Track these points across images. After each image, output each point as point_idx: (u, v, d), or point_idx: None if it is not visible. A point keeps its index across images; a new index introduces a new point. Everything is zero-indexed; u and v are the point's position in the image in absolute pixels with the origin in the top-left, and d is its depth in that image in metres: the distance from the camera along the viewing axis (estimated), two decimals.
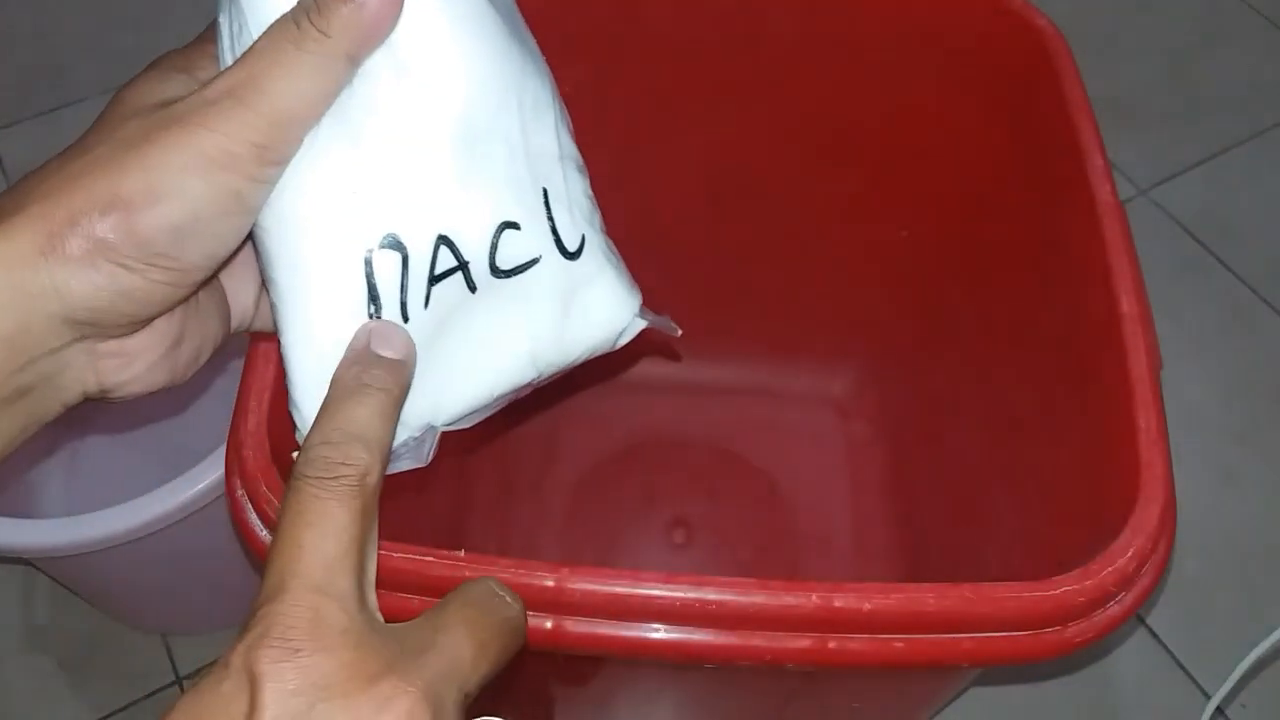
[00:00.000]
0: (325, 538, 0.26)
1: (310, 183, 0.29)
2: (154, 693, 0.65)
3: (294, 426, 0.31)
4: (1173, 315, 0.82)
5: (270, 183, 0.28)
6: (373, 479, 0.27)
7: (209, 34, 0.31)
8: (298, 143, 0.28)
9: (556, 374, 0.33)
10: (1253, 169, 0.92)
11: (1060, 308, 0.48)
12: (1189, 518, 0.71)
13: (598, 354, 0.33)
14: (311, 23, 0.27)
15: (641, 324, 0.33)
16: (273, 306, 0.30)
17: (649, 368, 0.72)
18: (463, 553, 0.35)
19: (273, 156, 0.28)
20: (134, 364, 0.30)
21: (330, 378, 0.29)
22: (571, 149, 0.32)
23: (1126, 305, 0.41)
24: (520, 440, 0.70)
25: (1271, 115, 0.96)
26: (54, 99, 0.93)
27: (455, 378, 0.31)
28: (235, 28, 0.29)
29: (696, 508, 0.69)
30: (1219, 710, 0.65)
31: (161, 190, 0.26)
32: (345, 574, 0.26)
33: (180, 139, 0.27)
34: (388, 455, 0.28)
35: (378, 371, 0.29)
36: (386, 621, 0.27)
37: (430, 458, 0.32)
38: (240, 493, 0.37)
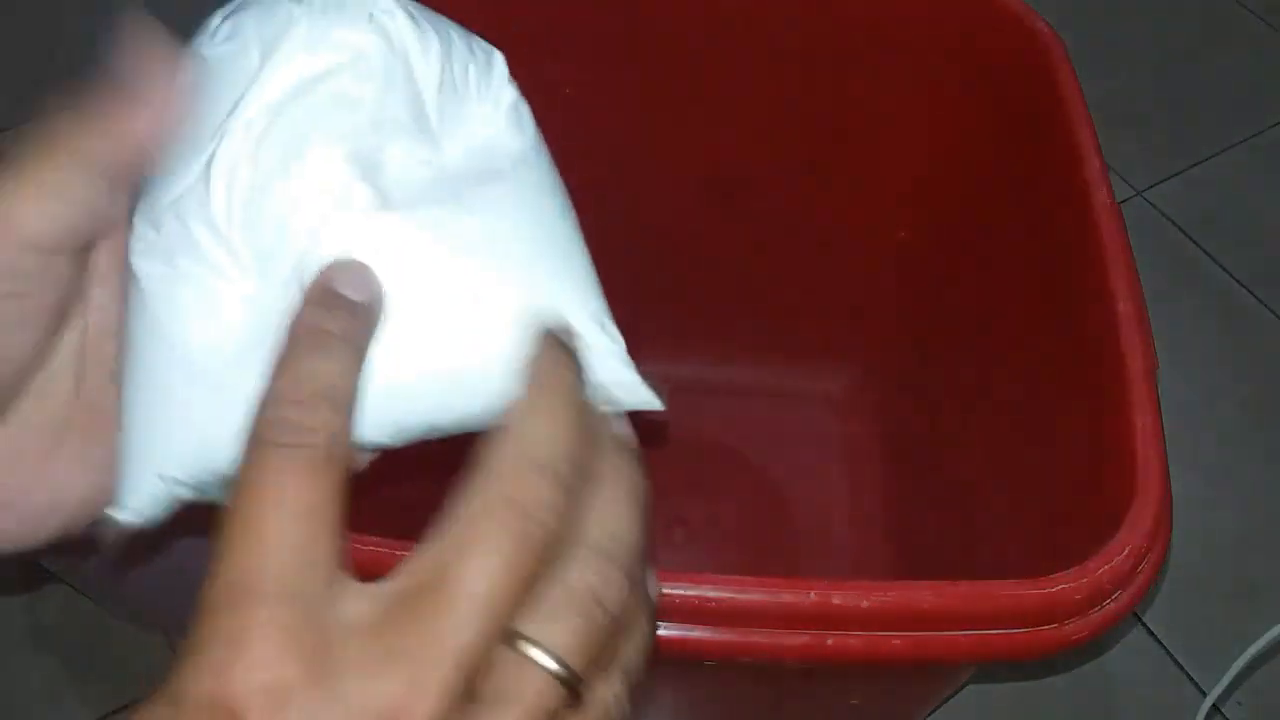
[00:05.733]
0: (295, 524, 0.20)
1: None
2: None
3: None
4: (1169, 316, 0.82)
5: None
6: (342, 446, 0.22)
7: None
8: (35, 258, 0.24)
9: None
10: (1249, 170, 0.92)
11: (1057, 308, 0.48)
12: (1185, 516, 0.71)
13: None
14: (70, 133, 0.24)
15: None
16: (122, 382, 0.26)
17: (648, 367, 0.72)
18: None
19: None
20: None
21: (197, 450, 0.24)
22: None
23: (1123, 306, 0.42)
24: None
25: (1267, 116, 0.96)
26: (57, 99, 0.93)
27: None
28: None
29: (696, 507, 0.69)
30: (1215, 708, 0.65)
31: None
32: (316, 570, 0.20)
33: None
34: (352, 420, 0.23)
35: (342, 316, 0.24)
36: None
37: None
38: None
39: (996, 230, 0.57)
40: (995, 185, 0.56)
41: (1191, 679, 0.66)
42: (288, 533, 0.20)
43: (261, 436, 0.21)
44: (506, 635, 0.20)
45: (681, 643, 0.35)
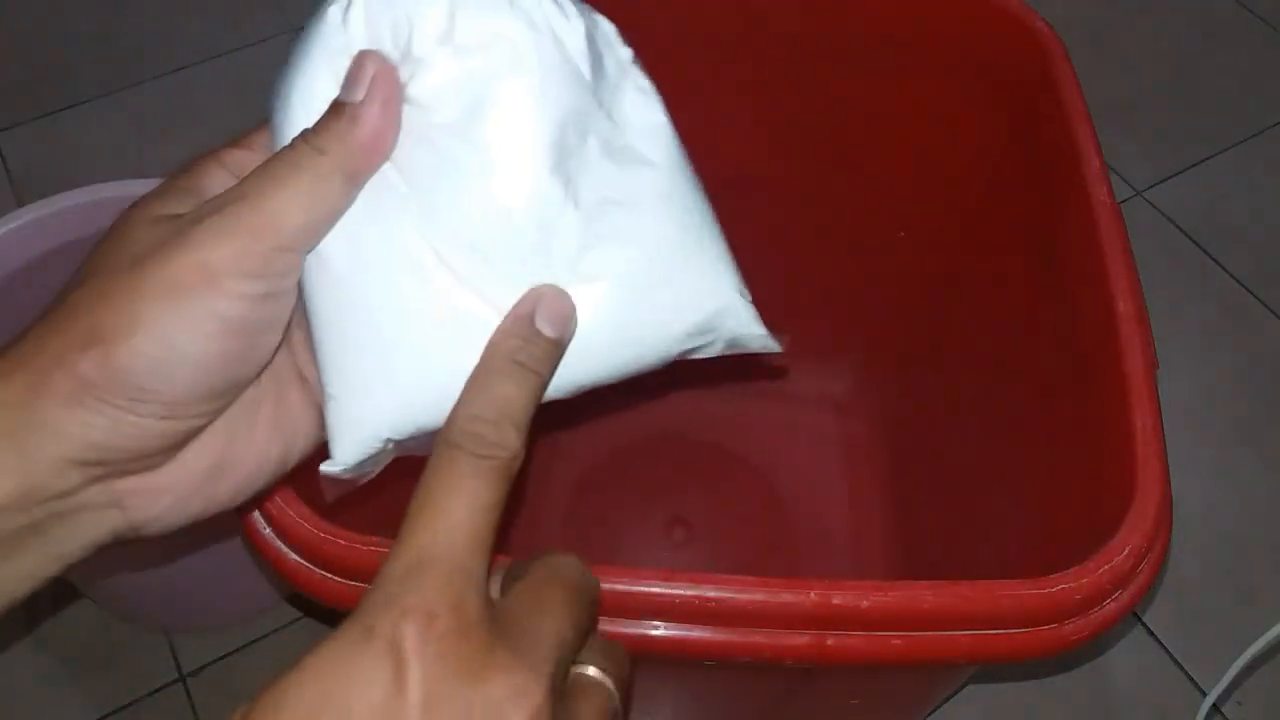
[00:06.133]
0: (473, 516, 0.26)
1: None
2: (157, 690, 0.65)
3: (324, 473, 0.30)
4: (1169, 315, 0.82)
5: (259, 300, 0.27)
6: (517, 465, 0.27)
7: (219, 151, 0.30)
8: (288, 258, 0.27)
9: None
10: (1249, 170, 0.92)
11: (1057, 308, 0.48)
12: (1185, 516, 0.72)
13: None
14: (308, 140, 0.27)
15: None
16: (320, 353, 0.29)
17: None
18: None
19: (256, 272, 0.26)
20: (160, 500, 0.28)
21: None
22: None
23: (1123, 306, 0.42)
24: None
25: (1267, 116, 0.96)
26: (57, 100, 0.93)
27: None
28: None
29: (696, 506, 0.69)
30: (1215, 708, 0.65)
31: (136, 321, 0.25)
32: (482, 556, 0.26)
33: (160, 261, 0.26)
34: (527, 437, 0.28)
35: (537, 350, 0.28)
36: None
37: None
38: None
39: (996, 230, 0.57)
40: (995, 184, 0.56)
41: (1191, 679, 0.66)
42: (467, 521, 0.25)
43: (455, 442, 0.26)
44: (580, 665, 0.28)
45: (681, 643, 0.36)
